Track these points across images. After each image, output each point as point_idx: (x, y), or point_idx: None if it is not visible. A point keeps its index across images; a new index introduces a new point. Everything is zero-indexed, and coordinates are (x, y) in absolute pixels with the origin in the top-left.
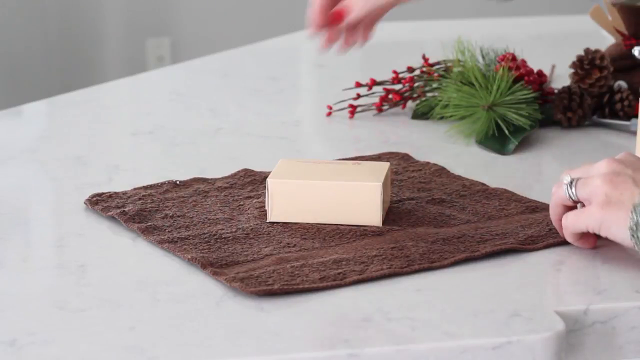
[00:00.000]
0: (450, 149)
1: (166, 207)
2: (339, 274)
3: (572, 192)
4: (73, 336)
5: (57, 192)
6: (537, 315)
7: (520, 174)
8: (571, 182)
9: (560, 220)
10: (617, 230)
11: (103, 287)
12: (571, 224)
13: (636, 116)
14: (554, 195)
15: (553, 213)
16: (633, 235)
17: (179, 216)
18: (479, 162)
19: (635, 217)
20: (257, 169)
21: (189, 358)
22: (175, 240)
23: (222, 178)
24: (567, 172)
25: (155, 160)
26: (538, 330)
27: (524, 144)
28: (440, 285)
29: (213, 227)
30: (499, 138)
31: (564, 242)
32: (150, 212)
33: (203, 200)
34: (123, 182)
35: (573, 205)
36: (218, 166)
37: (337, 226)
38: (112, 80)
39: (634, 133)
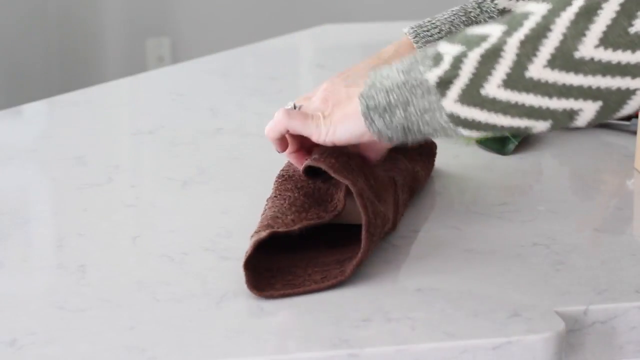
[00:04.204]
0: (450, 149)
1: None
2: (340, 272)
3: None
4: (73, 336)
5: (57, 192)
6: (537, 315)
7: (520, 174)
8: (294, 107)
9: (279, 138)
10: (350, 123)
11: (103, 287)
12: (294, 125)
13: (636, 116)
14: (276, 121)
15: (275, 131)
16: (367, 118)
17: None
18: (479, 162)
19: (364, 102)
20: (257, 169)
21: (189, 358)
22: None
23: None
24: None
25: (155, 160)
26: (538, 330)
27: (524, 144)
28: (440, 285)
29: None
30: (499, 138)
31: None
32: None
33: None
34: (123, 182)
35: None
36: (218, 166)
37: (348, 227)
38: (112, 80)
39: (634, 133)
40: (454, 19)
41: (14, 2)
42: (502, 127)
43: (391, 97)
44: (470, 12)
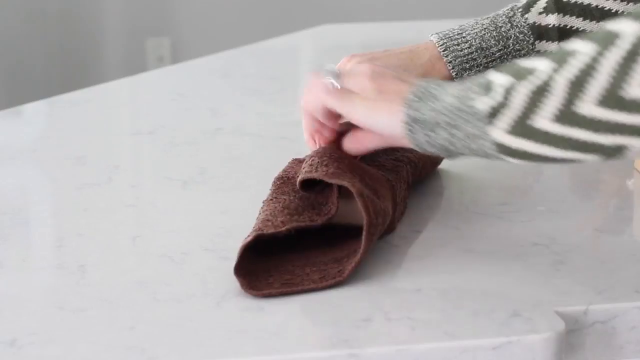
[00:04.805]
0: None
1: None
2: (338, 271)
3: (337, 83)
4: (73, 336)
5: (57, 192)
6: (537, 315)
7: (520, 174)
8: (337, 73)
9: (314, 103)
10: (387, 120)
11: (103, 287)
12: (332, 103)
13: None
14: (314, 84)
15: (311, 104)
16: (408, 128)
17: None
18: (479, 162)
19: (409, 112)
20: (257, 169)
21: (189, 358)
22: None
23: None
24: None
25: (155, 160)
26: (538, 330)
27: None
28: (440, 285)
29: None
30: None
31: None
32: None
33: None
34: (123, 182)
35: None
36: (218, 166)
37: (347, 226)
38: (112, 80)
39: None
40: (484, 34)
41: (14, 2)
42: (554, 159)
43: (439, 118)
44: (501, 27)
